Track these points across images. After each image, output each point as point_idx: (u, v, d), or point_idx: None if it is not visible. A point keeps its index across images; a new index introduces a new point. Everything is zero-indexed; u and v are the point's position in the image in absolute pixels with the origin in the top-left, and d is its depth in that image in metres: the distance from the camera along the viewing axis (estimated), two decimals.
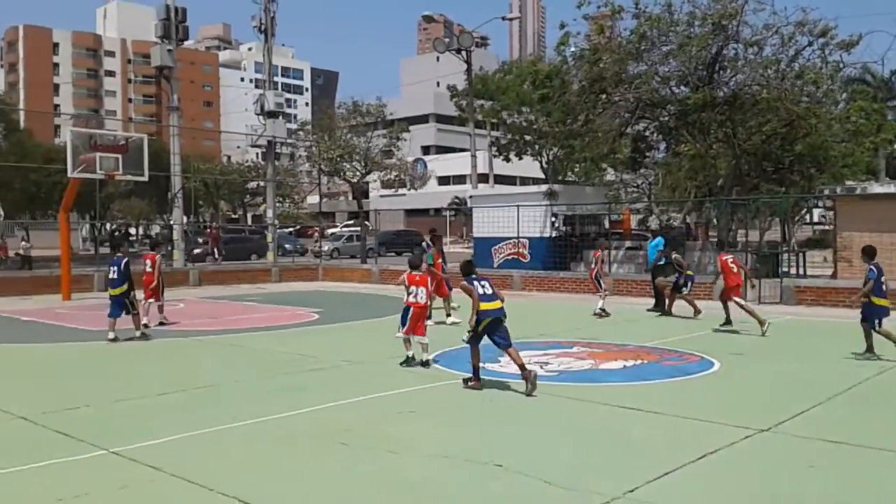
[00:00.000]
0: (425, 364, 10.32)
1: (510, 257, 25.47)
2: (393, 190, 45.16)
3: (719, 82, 22.72)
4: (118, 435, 6.94)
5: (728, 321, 13.89)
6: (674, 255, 16.93)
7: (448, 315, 15.28)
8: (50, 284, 23.13)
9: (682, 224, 28.51)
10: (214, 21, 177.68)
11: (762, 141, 23.61)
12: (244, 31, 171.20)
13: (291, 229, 54.56)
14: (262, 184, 56.22)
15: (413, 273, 10.57)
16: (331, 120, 40.84)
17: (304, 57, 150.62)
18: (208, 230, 41.83)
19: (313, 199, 69.04)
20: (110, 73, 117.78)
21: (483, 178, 37.77)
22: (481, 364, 9.22)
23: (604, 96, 23.57)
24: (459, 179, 70.06)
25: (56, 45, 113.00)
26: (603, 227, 27.36)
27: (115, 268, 13.18)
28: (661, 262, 17.31)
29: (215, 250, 36.25)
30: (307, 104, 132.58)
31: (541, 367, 10.40)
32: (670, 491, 5.58)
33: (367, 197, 60.55)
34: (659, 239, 18.36)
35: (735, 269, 13.96)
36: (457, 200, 56.30)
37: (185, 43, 32.60)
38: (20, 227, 46.52)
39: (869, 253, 10.97)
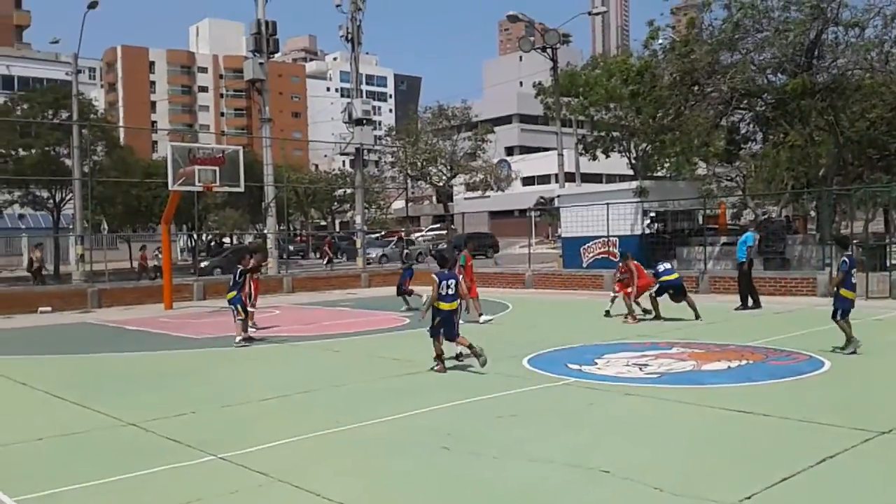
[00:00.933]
0: (458, 359, 10.87)
1: (600, 256, 25.06)
2: (478, 192, 45.10)
3: (819, 68, 21.77)
4: (225, 440, 7.09)
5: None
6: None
7: (480, 315, 15.69)
8: (152, 294, 24.08)
9: (782, 217, 27.41)
10: (301, 33, 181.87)
11: (866, 127, 22.52)
12: (329, 42, 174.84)
13: (377, 235, 55.27)
14: (349, 191, 57.19)
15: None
16: (415, 125, 41.13)
17: (387, 63, 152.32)
18: (326, 238, 43.58)
19: (399, 204, 69.79)
20: (203, 89, 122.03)
21: (569, 178, 37.27)
22: (580, 367, 9.07)
23: (696, 88, 22.92)
24: (544, 179, 69.46)
25: (152, 63, 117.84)
26: (696, 222, 26.60)
27: (233, 275, 14.32)
28: (750, 259, 17.19)
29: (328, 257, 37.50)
30: (391, 110, 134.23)
31: (640, 369, 10.16)
32: (792, 498, 5.30)
33: (451, 200, 60.81)
34: (748, 234, 17.80)
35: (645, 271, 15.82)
36: (542, 200, 55.81)
37: (274, 56, 33.40)
38: (122, 240, 48.70)
39: (843, 243, 11.21)
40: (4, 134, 40.16)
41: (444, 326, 10.37)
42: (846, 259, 10.73)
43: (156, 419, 8.07)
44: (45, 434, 7.57)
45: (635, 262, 15.93)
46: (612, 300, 16.36)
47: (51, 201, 42.71)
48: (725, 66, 22.43)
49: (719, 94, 22.45)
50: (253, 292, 15.82)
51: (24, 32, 74.64)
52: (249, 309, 15.41)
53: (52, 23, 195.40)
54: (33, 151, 40.35)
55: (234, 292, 13.84)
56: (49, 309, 22.09)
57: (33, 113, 41.37)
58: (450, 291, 10.39)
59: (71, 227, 39.45)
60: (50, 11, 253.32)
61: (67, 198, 40.92)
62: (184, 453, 6.79)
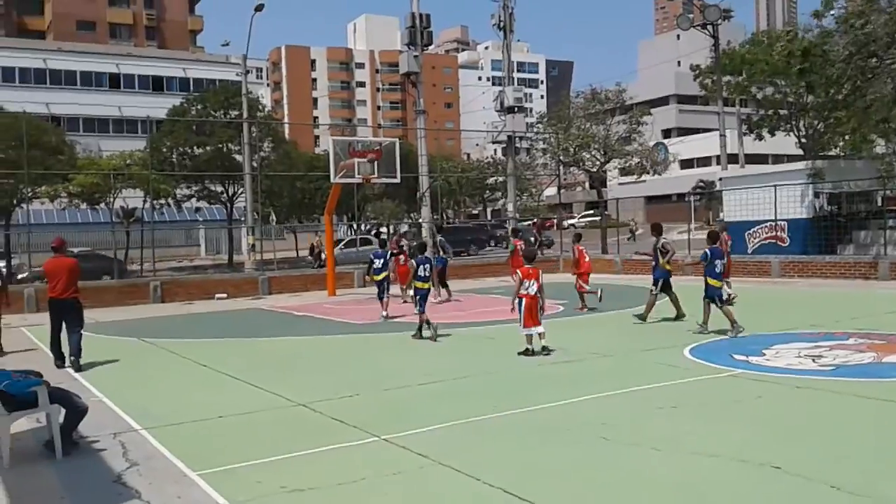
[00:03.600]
0: (545, 352, 10.71)
1: (767, 241, 23.77)
2: (634, 177, 43.79)
3: None
4: (387, 422, 7.33)
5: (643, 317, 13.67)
6: (661, 241, 14.10)
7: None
8: (316, 281, 25.27)
9: None
10: (453, 24, 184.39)
11: None
12: (481, 31, 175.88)
13: (530, 222, 55.06)
14: (501, 179, 57.32)
15: (527, 266, 11.01)
16: (567, 110, 40.51)
17: (538, 50, 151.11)
18: (534, 222, 44.84)
19: (551, 190, 69.24)
20: (361, 84, 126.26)
21: (732, 159, 35.49)
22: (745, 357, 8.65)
23: (874, 60, 21.19)
24: (704, 162, 66.67)
25: (313, 61, 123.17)
26: (875, 204, 24.65)
27: (381, 259, 16.70)
28: None
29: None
30: (542, 97, 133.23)
31: (813, 361, 9.57)
32: None
33: (605, 185, 59.52)
34: None
35: (587, 259, 16.40)
36: (701, 184, 53.57)
37: (428, 48, 34.01)
38: (289, 231, 51.31)
39: (711, 237, 12.41)
40: (182, 133, 43.33)
41: (422, 302, 12.93)
42: (706, 251, 11.97)
43: (322, 400, 8.46)
44: (225, 412, 8.13)
45: (580, 246, 16.40)
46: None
47: (224, 195, 45.65)
48: None
49: None
50: (399, 277, 17.61)
51: (198, 36, 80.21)
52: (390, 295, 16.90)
53: (222, 26, 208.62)
54: (207, 148, 43.27)
55: (384, 274, 16.45)
56: (225, 295, 23.67)
57: (207, 112, 44.35)
58: (427, 274, 13.27)
59: (242, 219, 42.03)
60: (221, 15, 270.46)
61: (239, 192, 43.61)
62: (349, 433, 7.08)
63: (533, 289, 10.64)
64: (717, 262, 12.05)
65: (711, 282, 12.05)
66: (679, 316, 13.74)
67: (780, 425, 6.87)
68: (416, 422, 7.34)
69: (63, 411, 6.93)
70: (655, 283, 13.87)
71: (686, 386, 8.60)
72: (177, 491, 5.74)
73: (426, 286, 13.23)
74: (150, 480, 6.00)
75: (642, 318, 13.71)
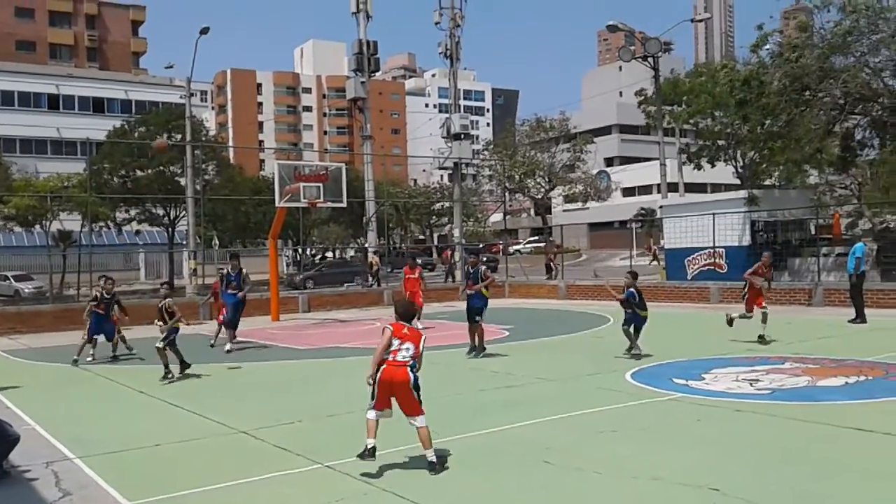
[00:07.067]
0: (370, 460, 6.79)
1: (706, 268, 24.33)
2: (577, 204, 44.56)
3: None
4: (331, 449, 7.24)
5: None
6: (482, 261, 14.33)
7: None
8: (259, 307, 24.88)
9: None
10: (400, 51, 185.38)
11: None
12: (428, 59, 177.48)
13: (441, 248, 55.53)
14: (447, 204, 57.65)
15: (400, 323, 6.88)
16: (512, 138, 41.10)
17: (484, 78, 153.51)
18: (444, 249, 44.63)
19: (497, 216, 69.90)
20: (307, 109, 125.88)
21: (672, 188, 36.38)
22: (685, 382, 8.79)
23: (807, 93, 22.01)
24: (645, 190, 68.08)
25: (259, 85, 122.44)
26: (809, 232, 25.48)
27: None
28: (861, 271, 16.79)
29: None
30: (488, 124, 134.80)
31: (750, 385, 9.79)
32: None
33: (549, 212, 60.37)
34: (858, 245, 17.52)
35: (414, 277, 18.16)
36: (642, 211, 54.73)
37: (375, 74, 34.15)
38: (233, 256, 50.57)
39: (632, 276, 13.07)
40: (123, 155, 42.55)
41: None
42: (632, 290, 12.61)
43: (264, 427, 8.32)
44: (163, 440, 7.93)
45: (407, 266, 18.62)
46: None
47: (166, 218, 44.89)
48: (838, 70, 21.46)
49: (832, 100, 21.50)
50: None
51: (141, 59, 79.03)
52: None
53: (166, 48, 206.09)
54: (149, 171, 42.56)
55: None
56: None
57: (149, 135, 43.69)
58: None
59: (184, 242, 41.33)
60: (165, 37, 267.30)
61: (181, 215, 42.96)
62: (292, 461, 6.97)
63: (405, 355, 6.58)
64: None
65: (641, 313, 12.64)
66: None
67: (720, 448, 7.00)
68: (361, 448, 7.25)
69: None
70: (479, 313, 13.36)
71: (628, 410, 8.71)
72: None
73: None
74: None
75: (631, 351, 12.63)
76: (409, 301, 7.47)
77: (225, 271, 16.52)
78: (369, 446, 6.34)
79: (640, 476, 6.11)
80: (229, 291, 15.98)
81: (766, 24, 23.83)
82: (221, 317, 16.46)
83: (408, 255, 29.18)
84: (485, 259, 34.72)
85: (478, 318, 13.40)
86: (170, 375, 11.89)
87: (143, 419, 9.25)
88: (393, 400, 6.52)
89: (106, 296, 14.73)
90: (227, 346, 15.47)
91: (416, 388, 6.48)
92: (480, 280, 13.71)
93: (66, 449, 7.65)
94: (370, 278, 34.06)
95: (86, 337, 14.54)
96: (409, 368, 6.45)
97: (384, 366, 6.45)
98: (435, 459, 6.39)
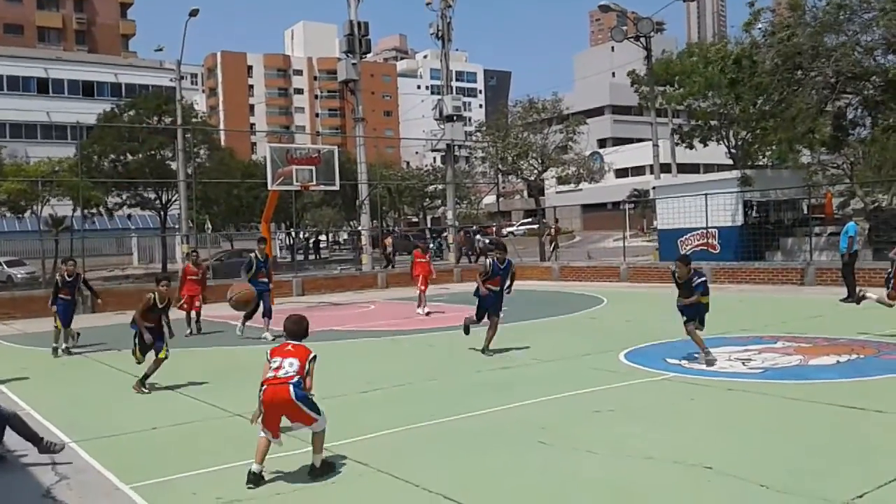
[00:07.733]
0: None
1: (698, 248, 24.41)
2: (570, 186, 44.49)
3: None
4: (327, 430, 7.25)
5: None
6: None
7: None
8: None
9: (894, 205, 25.97)
10: (392, 33, 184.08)
11: None
12: (420, 41, 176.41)
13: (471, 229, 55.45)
14: (440, 187, 57.55)
15: (285, 340, 6.76)
16: (505, 119, 40.92)
17: (476, 60, 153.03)
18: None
19: (490, 199, 69.82)
20: (299, 91, 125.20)
21: (665, 168, 36.36)
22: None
23: (799, 73, 21.99)
24: (638, 171, 68.05)
25: (250, 67, 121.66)
26: (801, 212, 25.57)
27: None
28: (853, 251, 17.09)
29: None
30: (481, 106, 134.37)
31: (743, 364, 9.86)
32: None
33: (543, 194, 60.22)
34: (850, 225, 17.65)
35: (424, 261, 18.44)
36: (635, 192, 54.73)
37: (366, 56, 33.97)
38: (225, 238, 50.49)
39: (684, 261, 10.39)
40: (113, 139, 42.27)
41: None
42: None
43: None
44: (159, 424, 7.95)
45: (418, 250, 19.04)
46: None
47: (157, 202, 44.69)
48: (830, 49, 21.43)
49: (824, 79, 21.47)
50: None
51: (130, 41, 78.37)
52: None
53: (156, 31, 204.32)
54: (140, 155, 42.32)
55: None
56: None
57: (139, 118, 43.39)
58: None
59: (177, 226, 41.19)
60: (154, 20, 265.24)
61: (173, 199, 42.75)
62: (288, 443, 6.97)
63: (287, 370, 6.18)
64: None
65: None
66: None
67: (713, 427, 7.06)
68: (356, 430, 7.30)
69: None
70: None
71: (622, 390, 8.76)
72: None
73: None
74: (81, 494, 5.83)
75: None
76: (297, 319, 6.70)
77: (254, 255, 15.34)
78: (253, 470, 5.87)
79: (634, 455, 6.16)
80: (261, 279, 14.89)
81: (758, 1, 23.75)
82: (187, 305, 15.87)
83: (417, 239, 30.62)
84: (489, 243, 34.71)
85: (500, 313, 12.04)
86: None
87: (139, 403, 9.26)
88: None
89: (68, 278, 13.80)
90: (266, 335, 14.57)
91: (305, 400, 6.11)
92: (512, 278, 12.18)
93: (62, 433, 7.66)
94: (384, 260, 34.86)
95: (57, 325, 13.59)
96: (291, 386, 6.02)
97: (265, 386, 6.05)
98: (319, 465, 6.09)
